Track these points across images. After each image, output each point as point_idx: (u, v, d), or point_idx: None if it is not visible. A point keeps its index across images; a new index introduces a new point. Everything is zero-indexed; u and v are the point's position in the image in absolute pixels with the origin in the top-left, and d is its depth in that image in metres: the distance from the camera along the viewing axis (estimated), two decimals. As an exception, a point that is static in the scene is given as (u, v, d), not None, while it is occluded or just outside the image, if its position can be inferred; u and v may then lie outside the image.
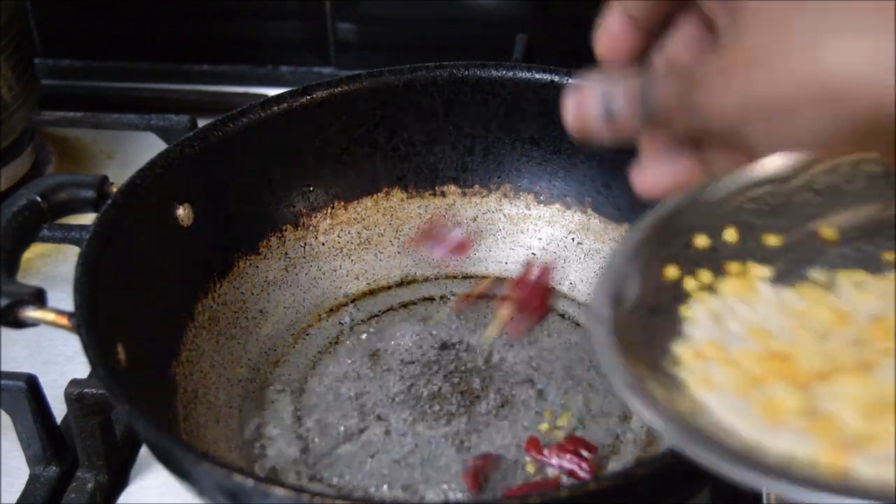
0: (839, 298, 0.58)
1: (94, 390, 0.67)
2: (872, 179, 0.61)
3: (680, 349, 0.57)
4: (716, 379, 0.55)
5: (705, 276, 0.59)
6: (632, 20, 0.53)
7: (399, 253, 0.81)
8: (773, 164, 0.61)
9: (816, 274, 0.59)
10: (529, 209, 0.81)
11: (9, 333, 0.68)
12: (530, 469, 0.66)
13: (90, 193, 0.69)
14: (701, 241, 0.59)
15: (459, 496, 0.65)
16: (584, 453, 0.66)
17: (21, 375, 0.69)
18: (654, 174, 0.56)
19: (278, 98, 0.77)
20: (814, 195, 0.61)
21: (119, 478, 0.71)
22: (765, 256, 0.60)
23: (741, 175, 0.62)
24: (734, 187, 0.62)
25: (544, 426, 0.69)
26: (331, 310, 0.78)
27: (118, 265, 0.66)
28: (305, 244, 0.79)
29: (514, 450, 0.68)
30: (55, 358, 0.80)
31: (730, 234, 0.60)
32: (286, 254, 0.79)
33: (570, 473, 0.66)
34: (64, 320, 0.61)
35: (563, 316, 0.77)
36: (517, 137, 0.80)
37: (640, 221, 0.59)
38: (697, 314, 0.59)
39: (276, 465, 0.68)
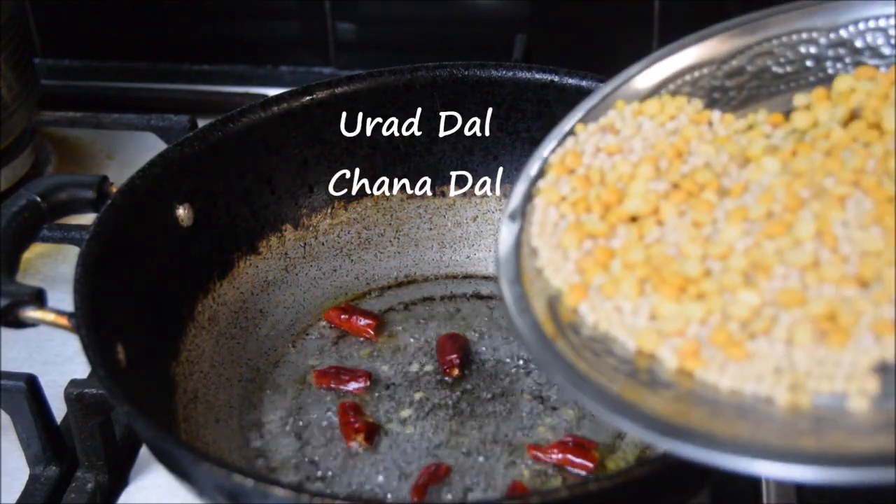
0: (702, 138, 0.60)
1: (94, 390, 0.67)
2: (807, 61, 0.62)
3: (552, 156, 0.61)
4: (561, 191, 0.60)
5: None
6: None
7: (399, 253, 0.81)
8: (710, 48, 0.62)
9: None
10: (529, 209, 0.81)
11: (9, 333, 0.68)
12: (528, 468, 0.67)
13: (90, 193, 0.69)
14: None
15: (450, 497, 0.65)
16: (584, 452, 0.66)
17: (21, 375, 0.69)
18: None
19: (278, 98, 0.77)
20: (748, 78, 0.62)
21: (119, 478, 0.71)
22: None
23: (677, 59, 0.63)
24: (669, 73, 0.63)
25: (544, 425, 0.69)
26: (330, 308, 0.78)
27: (118, 265, 0.66)
28: (305, 244, 0.79)
29: (512, 448, 0.68)
30: (55, 358, 0.80)
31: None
32: (286, 254, 0.79)
33: (570, 473, 0.66)
34: (64, 320, 0.61)
35: (563, 316, 0.76)
36: (517, 137, 0.80)
37: (571, 112, 0.63)
38: (589, 126, 0.62)
39: (275, 465, 0.68)
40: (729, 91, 0.62)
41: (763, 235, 0.54)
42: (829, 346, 0.50)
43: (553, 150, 0.62)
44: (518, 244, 0.59)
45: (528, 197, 0.61)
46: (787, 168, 0.57)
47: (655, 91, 0.63)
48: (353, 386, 0.72)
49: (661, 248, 0.56)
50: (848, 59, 0.62)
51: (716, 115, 0.61)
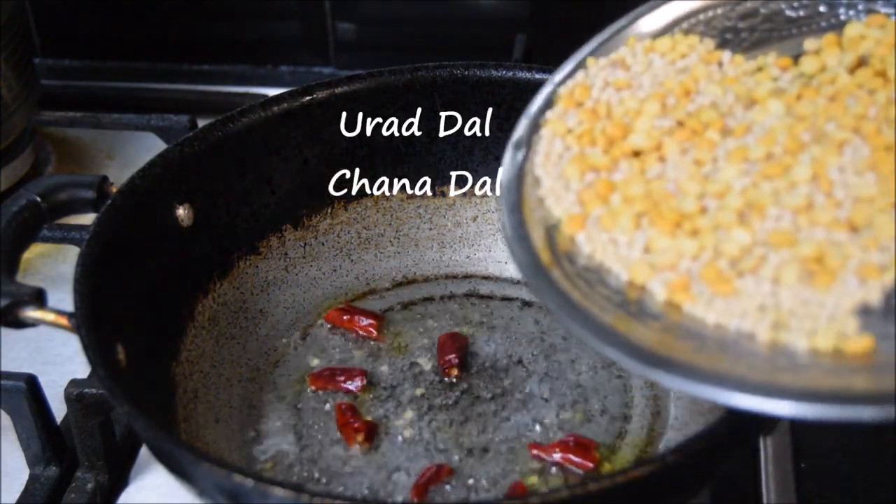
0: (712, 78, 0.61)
1: (94, 390, 0.67)
2: (820, 6, 0.63)
3: (562, 88, 0.63)
4: (567, 123, 0.61)
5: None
6: None
7: (399, 253, 0.81)
8: None
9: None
10: (529, 209, 0.81)
11: (9, 333, 0.68)
12: (529, 468, 0.67)
13: (90, 193, 0.69)
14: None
15: (450, 497, 0.65)
16: (585, 452, 0.66)
17: (21, 375, 0.69)
18: None
19: (278, 98, 0.77)
20: (761, 20, 0.63)
21: (119, 478, 0.71)
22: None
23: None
24: (683, 12, 0.65)
25: (544, 425, 0.69)
26: (330, 309, 0.78)
27: (118, 265, 0.66)
28: (305, 244, 0.79)
29: (513, 448, 0.68)
30: (55, 358, 0.80)
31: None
32: (286, 254, 0.79)
33: (570, 472, 0.66)
34: (64, 320, 0.61)
35: (563, 316, 0.76)
36: (517, 137, 0.80)
37: (583, 46, 0.65)
38: (600, 60, 0.64)
39: (275, 465, 0.68)
40: (741, 32, 0.63)
41: (761, 176, 0.55)
42: (814, 287, 0.52)
43: (563, 82, 0.63)
44: (521, 173, 0.60)
45: (535, 127, 0.62)
46: (791, 111, 0.58)
47: (668, 29, 0.64)
48: (349, 386, 0.72)
49: (661, 184, 0.57)
50: (861, 6, 0.62)
51: (726, 55, 0.62)
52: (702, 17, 0.64)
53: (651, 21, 0.64)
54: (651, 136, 0.59)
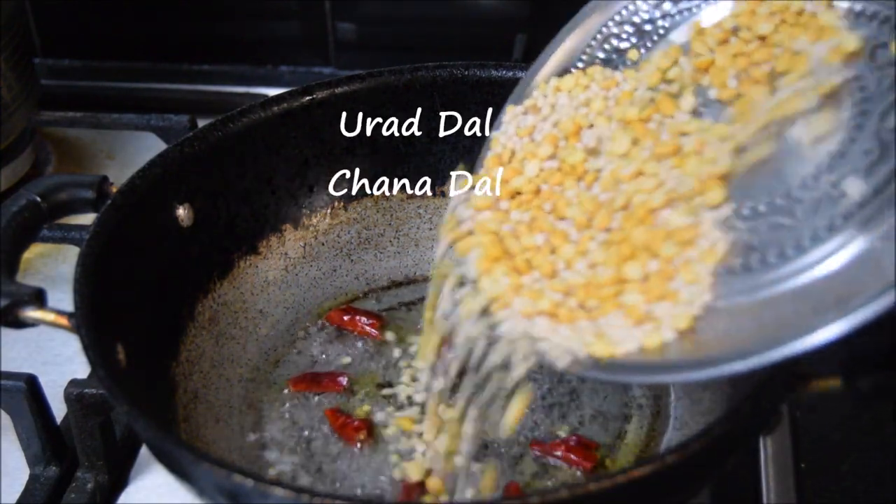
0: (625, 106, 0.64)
1: (94, 390, 0.67)
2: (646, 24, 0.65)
3: (495, 138, 0.67)
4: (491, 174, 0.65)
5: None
6: None
7: (399, 253, 0.81)
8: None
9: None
10: (529, 209, 0.81)
11: (9, 333, 0.68)
12: (529, 467, 0.67)
13: (90, 193, 0.69)
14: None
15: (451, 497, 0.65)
16: (585, 452, 0.66)
17: (21, 375, 0.69)
18: None
19: (278, 98, 0.77)
20: (635, 29, 0.66)
21: (119, 478, 0.71)
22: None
23: (585, 26, 0.68)
24: (580, 42, 0.68)
25: (544, 424, 0.69)
26: (331, 310, 0.78)
27: (118, 265, 0.66)
28: (305, 244, 0.79)
29: (513, 447, 0.68)
30: (55, 358, 0.80)
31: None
32: (286, 254, 0.79)
33: (570, 472, 0.66)
34: (64, 320, 0.61)
35: (563, 316, 0.76)
36: (517, 137, 0.80)
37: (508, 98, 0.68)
38: (517, 108, 0.67)
39: (275, 465, 0.68)
40: (630, 38, 0.66)
41: (559, 237, 0.60)
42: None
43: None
44: None
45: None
46: (629, 154, 0.61)
47: (572, 63, 0.67)
48: (334, 388, 0.72)
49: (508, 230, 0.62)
50: None
51: (619, 75, 0.64)
52: (595, 39, 0.67)
53: (558, 59, 0.67)
54: (531, 181, 0.63)
